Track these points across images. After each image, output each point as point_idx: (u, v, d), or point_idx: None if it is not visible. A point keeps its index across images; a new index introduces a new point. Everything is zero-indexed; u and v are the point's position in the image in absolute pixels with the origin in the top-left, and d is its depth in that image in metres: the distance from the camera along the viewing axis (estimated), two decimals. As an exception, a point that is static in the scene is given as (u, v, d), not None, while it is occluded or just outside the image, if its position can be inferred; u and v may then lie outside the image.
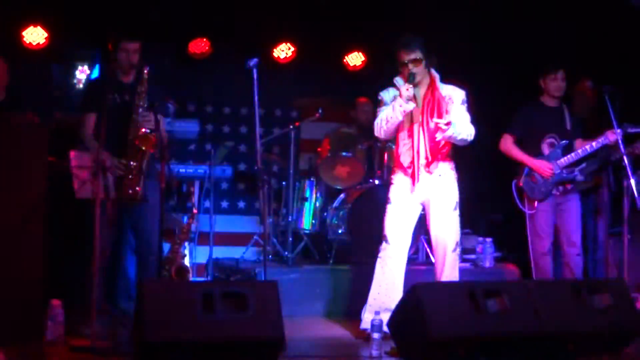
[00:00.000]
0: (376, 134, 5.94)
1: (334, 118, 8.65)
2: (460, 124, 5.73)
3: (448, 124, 5.62)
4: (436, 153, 5.80)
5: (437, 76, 5.90)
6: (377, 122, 5.88)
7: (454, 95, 5.88)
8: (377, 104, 6.00)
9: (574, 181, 6.81)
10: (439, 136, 5.71)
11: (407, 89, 5.64)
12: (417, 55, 5.72)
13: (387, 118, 5.76)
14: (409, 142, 5.83)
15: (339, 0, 8.13)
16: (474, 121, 5.93)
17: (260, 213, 7.62)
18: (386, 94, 5.92)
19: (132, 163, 5.80)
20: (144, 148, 5.79)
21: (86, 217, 5.75)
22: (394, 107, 5.71)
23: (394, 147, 6.05)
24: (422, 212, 6.06)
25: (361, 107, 8.47)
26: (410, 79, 5.69)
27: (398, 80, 5.85)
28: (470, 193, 6.45)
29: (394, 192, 5.92)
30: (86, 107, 6.05)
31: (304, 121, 8.17)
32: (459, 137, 5.74)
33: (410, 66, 5.72)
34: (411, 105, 5.71)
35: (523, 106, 7.00)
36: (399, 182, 5.90)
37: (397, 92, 5.80)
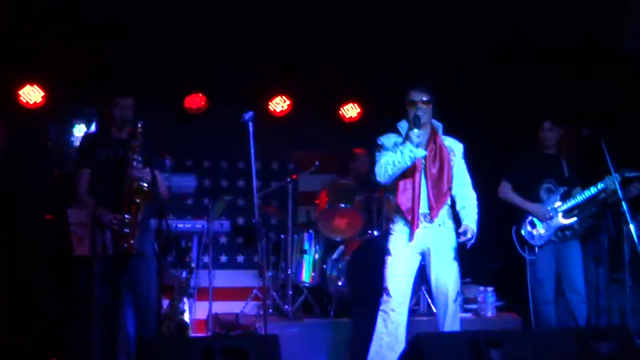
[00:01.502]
0: (378, 178, 5.80)
1: (331, 170, 8.65)
2: (472, 215, 5.79)
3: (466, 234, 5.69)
4: (439, 202, 5.74)
5: (439, 125, 5.90)
6: (380, 166, 5.75)
7: (455, 148, 5.89)
8: (376, 149, 5.90)
9: (573, 227, 6.81)
10: (462, 239, 5.73)
11: (418, 136, 5.60)
12: (427, 97, 5.75)
13: (393, 163, 5.64)
14: (410, 188, 5.75)
15: (333, 52, 8.14)
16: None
17: (260, 267, 7.62)
18: (386, 140, 5.85)
19: (127, 216, 5.76)
20: (138, 201, 5.76)
21: (85, 274, 5.73)
22: (402, 152, 5.61)
23: (392, 197, 5.94)
24: (422, 262, 5.98)
25: (358, 158, 8.47)
26: (415, 121, 5.65)
27: (401, 125, 5.83)
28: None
29: (393, 243, 5.83)
30: (80, 163, 6.04)
31: (301, 174, 8.18)
32: (475, 222, 5.79)
33: (420, 105, 5.71)
34: (422, 152, 5.67)
35: (520, 153, 7.03)
36: (399, 231, 5.81)
37: (397, 138, 5.79)
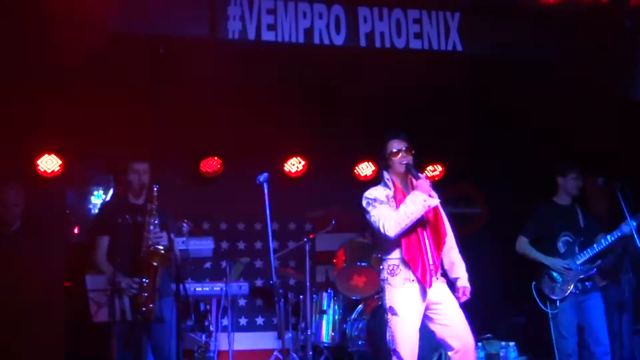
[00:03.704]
0: (389, 233, 5.40)
1: (348, 228, 8.62)
2: (464, 272, 5.67)
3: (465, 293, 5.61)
4: (441, 251, 5.54)
5: (422, 176, 5.62)
6: (389, 220, 5.40)
7: (435, 195, 5.62)
8: (368, 204, 5.57)
9: (593, 278, 6.76)
10: (463, 299, 5.61)
11: (429, 184, 5.45)
12: (408, 145, 5.63)
13: (405, 214, 5.36)
14: (415, 242, 5.47)
15: (347, 112, 8.21)
16: (492, 226, 5.87)
17: (279, 328, 7.58)
18: (378, 193, 5.59)
19: (144, 280, 5.78)
20: (155, 264, 5.77)
21: (104, 340, 5.72)
22: (415, 201, 5.38)
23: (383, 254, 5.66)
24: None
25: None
26: (410, 169, 5.52)
27: (388, 178, 5.64)
28: (490, 296, 6.35)
29: (398, 301, 5.46)
30: (98, 231, 6.09)
31: (318, 233, 8.18)
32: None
33: (405, 154, 5.57)
34: (436, 201, 5.51)
35: (536, 207, 7.02)
36: (404, 289, 5.46)
37: (388, 191, 5.58)
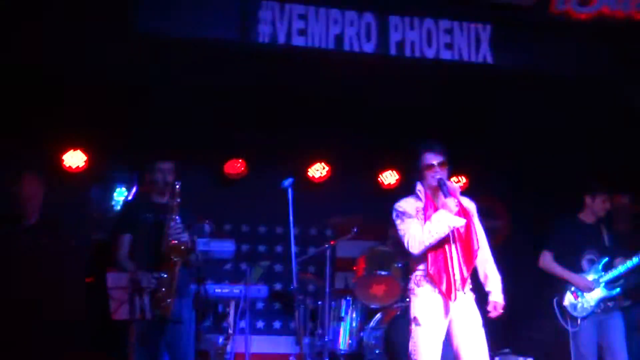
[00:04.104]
0: (412, 250, 5.45)
1: (369, 236, 8.60)
2: (498, 286, 5.57)
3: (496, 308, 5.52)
4: (470, 268, 5.47)
5: (456, 187, 5.61)
6: (413, 237, 5.42)
7: (471, 208, 5.65)
8: (396, 215, 5.61)
9: (615, 298, 6.70)
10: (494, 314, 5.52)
11: (456, 204, 5.38)
12: (444, 158, 5.52)
13: (429, 232, 5.35)
14: (441, 258, 5.43)
15: (372, 119, 8.19)
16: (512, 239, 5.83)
17: (297, 333, 7.56)
18: (407, 205, 5.58)
19: (163, 275, 5.79)
20: (175, 258, 5.78)
21: (123, 337, 5.73)
22: (440, 221, 5.35)
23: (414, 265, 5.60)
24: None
25: (399, 225, 8.42)
26: (444, 188, 5.41)
27: (420, 190, 5.58)
28: (509, 311, 6.29)
29: (422, 312, 5.45)
30: (121, 229, 6.11)
31: (340, 240, 8.16)
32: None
33: (437, 169, 5.48)
34: (462, 221, 5.41)
35: (561, 223, 6.96)
36: (429, 300, 5.45)
37: (418, 203, 5.55)
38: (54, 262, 6.17)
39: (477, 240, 5.51)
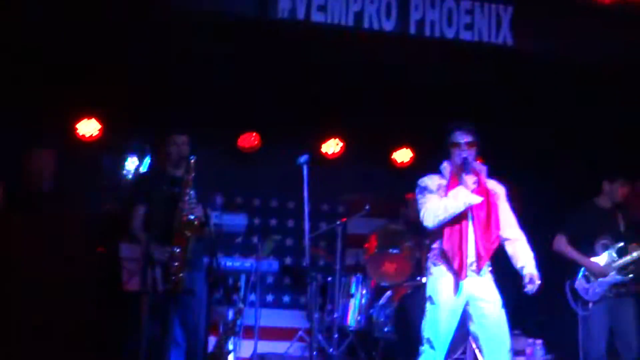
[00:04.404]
0: (426, 223, 5.50)
1: (381, 214, 8.62)
2: (531, 260, 5.54)
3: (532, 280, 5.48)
4: (488, 251, 5.48)
5: (484, 168, 5.65)
6: (429, 211, 5.47)
7: (498, 190, 5.66)
8: (419, 191, 5.63)
9: (627, 284, 6.69)
10: (530, 288, 5.50)
11: (474, 182, 5.43)
12: (472, 138, 5.53)
13: (445, 208, 5.40)
14: (457, 235, 5.47)
15: (387, 97, 8.15)
16: (521, 218, 5.77)
17: (306, 308, 7.59)
18: (430, 181, 5.60)
19: (176, 249, 5.79)
20: (188, 234, 5.78)
21: (133, 308, 5.75)
22: (456, 197, 5.39)
23: (430, 242, 5.69)
24: (465, 310, 5.59)
25: (411, 203, 8.39)
26: (465, 165, 5.45)
27: (444, 167, 5.61)
28: (520, 292, 6.29)
29: (436, 290, 5.50)
30: (136, 200, 6.12)
31: (352, 217, 8.15)
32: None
33: (465, 148, 5.50)
34: (478, 199, 5.44)
35: (577, 207, 6.94)
36: (441, 277, 5.50)
37: (441, 180, 5.57)
38: (66, 231, 6.18)
39: (497, 227, 5.50)
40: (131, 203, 6.16)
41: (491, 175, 5.69)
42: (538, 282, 5.47)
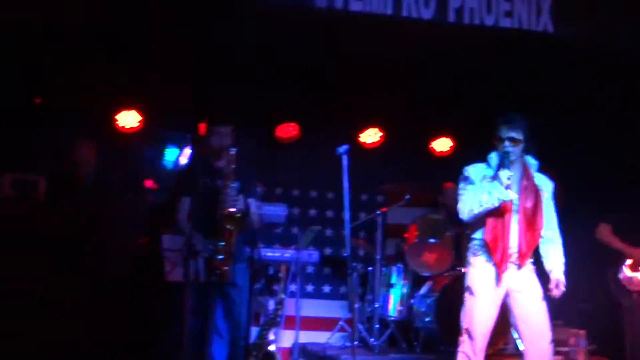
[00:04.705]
0: (462, 216, 5.54)
1: (421, 203, 8.60)
2: (560, 266, 5.51)
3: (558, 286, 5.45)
4: (531, 247, 5.46)
5: (534, 164, 5.63)
6: (464, 204, 5.49)
7: (544, 186, 5.59)
8: (461, 179, 5.61)
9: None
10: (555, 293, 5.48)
11: (509, 177, 5.34)
12: (517, 134, 5.43)
13: (480, 203, 5.39)
14: (500, 228, 5.43)
15: (426, 86, 8.10)
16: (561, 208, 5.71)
17: (347, 298, 7.59)
18: (473, 171, 5.56)
19: (220, 243, 5.81)
20: (230, 227, 5.80)
21: (176, 299, 5.79)
22: (490, 193, 5.36)
23: (472, 233, 5.66)
24: (505, 301, 5.57)
25: (448, 192, 8.39)
26: (504, 160, 5.40)
27: (492, 157, 5.55)
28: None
29: (476, 281, 5.50)
30: (181, 191, 6.15)
31: (391, 207, 8.12)
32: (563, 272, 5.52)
33: (507, 144, 5.44)
34: (512, 196, 5.39)
35: (620, 195, 6.86)
36: (481, 268, 5.49)
37: (487, 171, 5.52)
38: (109, 223, 6.24)
39: (542, 223, 5.47)
40: (177, 194, 6.19)
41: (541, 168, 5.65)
42: (563, 289, 5.45)
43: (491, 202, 5.37)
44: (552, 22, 6.77)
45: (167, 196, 6.76)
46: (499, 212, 5.42)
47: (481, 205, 5.39)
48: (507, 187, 5.34)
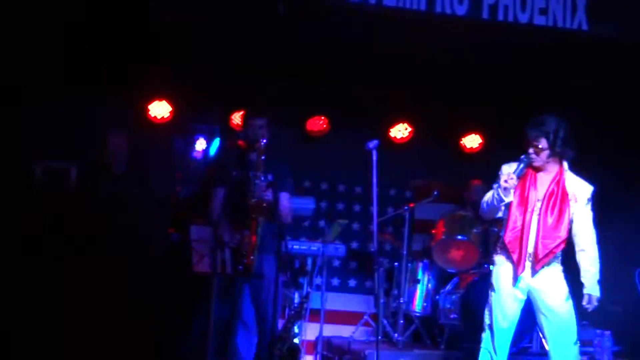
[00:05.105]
0: (480, 212, 5.74)
1: (449, 200, 8.57)
2: (593, 279, 5.48)
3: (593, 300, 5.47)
4: (548, 254, 5.44)
5: (566, 170, 5.57)
6: (483, 200, 5.63)
7: (579, 193, 5.51)
8: (495, 178, 5.61)
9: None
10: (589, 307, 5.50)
11: (507, 180, 5.37)
12: (539, 142, 5.43)
13: (489, 200, 5.54)
14: (519, 228, 5.47)
15: (457, 82, 8.08)
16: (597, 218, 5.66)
17: (372, 293, 7.59)
18: (505, 169, 5.54)
19: (246, 232, 5.83)
20: (257, 217, 5.82)
21: (203, 290, 5.82)
22: (493, 192, 5.50)
23: (497, 231, 5.86)
24: (529, 300, 5.61)
25: (473, 189, 8.36)
26: (520, 162, 5.44)
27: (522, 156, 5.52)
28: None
29: (497, 279, 5.58)
30: (214, 183, 6.17)
31: (420, 202, 8.11)
32: (597, 284, 5.50)
33: (531, 150, 5.45)
34: (507, 199, 5.43)
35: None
36: (502, 266, 5.57)
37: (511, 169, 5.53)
38: (141, 212, 6.27)
39: (565, 231, 5.45)
40: (209, 186, 6.22)
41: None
42: (596, 303, 5.47)
43: (492, 202, 5.51)
44: (587, 19, 6.72)
45: (199, 187, 6.78)
46: (522, 214, 5.48)
47: (489, 204, 5.54)
48: (506, 190, 5.39)
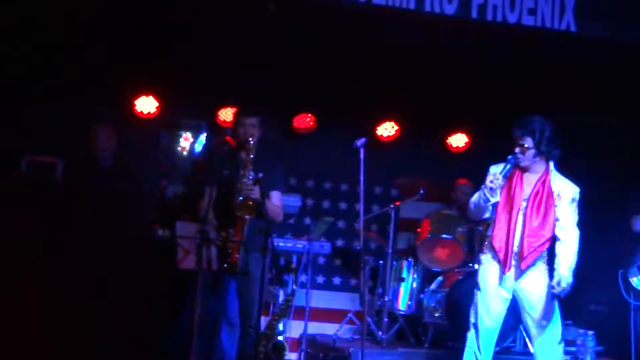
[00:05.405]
0: (468, 212, 5.85)
1: (435, 198, 8.58)
2: (566, 263, 5.46)
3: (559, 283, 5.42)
4: (533, 252, 5.49)
5: (552, 170, 5.63)
6: (471, 199, 5.72)
7: (563, 192, 5.57)
8: (483, 178, 5.67)
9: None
10: (557, 290, 5.43)
11: (492, 181, 5.44)
12: (525, 142, 5.49)
13: (474, 202, 5.63)
14: (505, 228, 5.55)
15: (444, 81, 8.09)
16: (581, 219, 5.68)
17: (357, 291, 7.60)
18: (493, 169, 5.60)
19: (231, 230, 5.82)
20: (243, 215, 5.81)
21: (188, 287, 5.81)
22: (478, 192, 5.59)
23: (483, 230, 5.93)
24: (514, 299, 5.70)
25: (460, 188, 8.40)
26: (507, 162, 5.49)
27: (510, 157, 5.58)
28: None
29: (483, 278, 5.66)
30: (206, 179, 6.17)
31: (405, 201, 8.12)
32: (570, 271, 5.48)
33: (517, 150, 5.51)
34: (493, 199, 5.50)
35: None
36: (488, 265, 5.64)
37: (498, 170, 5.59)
38: (126, 206, 6.24)
39: (550, 230, 5.50)
40: (199, 183, 6.21)
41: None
42: (564, 285, 5.41)
43: (478, 201, 5.58)
44: (575, 20, 6.74)
45: (186, 183, 6.75)
46: (508, 213, 5.55)
47: (475, 203, 5.63)
48: (492, 190, 5.45)
